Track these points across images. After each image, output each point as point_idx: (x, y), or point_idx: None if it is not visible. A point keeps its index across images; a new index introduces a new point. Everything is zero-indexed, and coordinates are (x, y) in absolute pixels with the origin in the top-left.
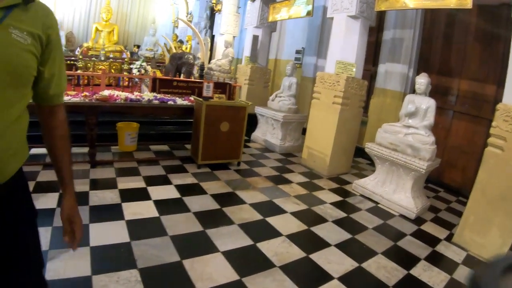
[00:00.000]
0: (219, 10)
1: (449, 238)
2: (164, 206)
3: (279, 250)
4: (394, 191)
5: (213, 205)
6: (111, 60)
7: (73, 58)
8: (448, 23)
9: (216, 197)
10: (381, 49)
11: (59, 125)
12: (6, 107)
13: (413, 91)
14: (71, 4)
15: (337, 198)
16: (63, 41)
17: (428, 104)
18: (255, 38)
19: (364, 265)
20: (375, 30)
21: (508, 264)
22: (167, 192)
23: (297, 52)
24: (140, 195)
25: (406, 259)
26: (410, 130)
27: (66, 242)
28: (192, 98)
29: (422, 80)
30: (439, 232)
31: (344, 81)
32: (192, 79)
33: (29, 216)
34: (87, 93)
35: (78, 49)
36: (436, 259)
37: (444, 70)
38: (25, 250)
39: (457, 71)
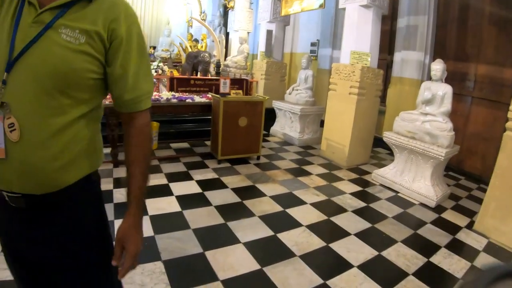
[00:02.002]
0: (232, 7)
1: (470, 226)
2: (186, 201)
3: (299, 240)
4: (414, 179)
5: (234, 198)
6: None
7: None
8: (462, 7)
9: (237, 190)
10: (396, 37)
11: (136, 134)
12: (51, 115)
13: (430, 78)
14: None
15: (357, 188)
16: None
17: (444, 90)
18: (269, 33)
19: (384, 253)
20: (389, 18)
21: (498, 274)
22: (189, 187)
23: (312, 44)
24: (162, 191)
25: (426, 247)
26: (427, 117)
27: (116, 265)
28: (209, 95)
29: (437, 67)
30: (460, 220)
31: (359, 71)
32: (209, 77)
33: (90, 241)
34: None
35: None
36: (456, 247)
37: (461, 56)
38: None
39: (473, 55)
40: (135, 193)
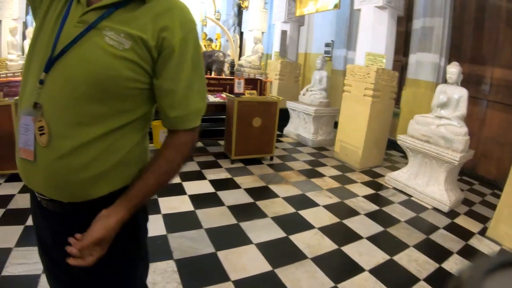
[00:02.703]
0: (247, 7)
1: (483, 232)
2: (199, 200)
3: (311, 242)
4: (427, 183)
5: (246, 199)
6: None
7: None
8: (478, 9)
9: (250, 191)
10: (411, 39)
11: (170, 148)
12: (84, 124)
13: (445, 81)
14: None
15: (370, 191)
16: None
17: (460, 94)
18: (284, 33)
19: (396, 257)
20: (404, 19)
21: (492, 266)
22: (202, 187)
23: (327, 45)
24: (175, 190)
25: (438, 253)
26: (442, 121)
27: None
28: (223, 95)
29: (453, 70)
30: (473, 226)
31: (374, 73)
32: (223, 76)
33: (117, 261)
34: None
35: None
36: (468, 253)
37: (477, 58)
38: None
39: (489, 58)
40: (136, 196)
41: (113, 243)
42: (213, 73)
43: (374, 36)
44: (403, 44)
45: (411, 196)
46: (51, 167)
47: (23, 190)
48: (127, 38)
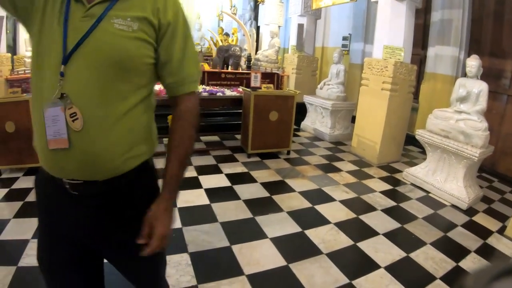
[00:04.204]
0: (263, 1)
1: (501, 231)
2: (215, 194)
3: (327, 237)
4: (446, 180)
5: (262, 193)
6: None
7: None
8: (498, 1)
9: (266, 185)
10: (429, 32)
11: (177, 119)
12: (112, 102)
13: (464, 74)
14: None
15: (387, 186)
16: None
17: (480, 88)
18: (300, 26)
19: (412, 255)
20: (423, 12)
21: (496, 273)
22: (218, 180)
23: (344, 38)
24: (192, 183)
25: (455, 251)
26: (461, 115)
27: (141, 242)
28: (240, 89)
29: (473, 63)
30: (491, 224)
31: (392, 67)
32: (240, 71)
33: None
34: None
35: None
36: (486, 252)
37: (497, 51)
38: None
39: (510, 52)
40: (171, 177)
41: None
42: (229, 67)
43: (392, 29)
44: (421, 37)
45: (429, 193)
46: (88, 148)
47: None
48: (133, 21)
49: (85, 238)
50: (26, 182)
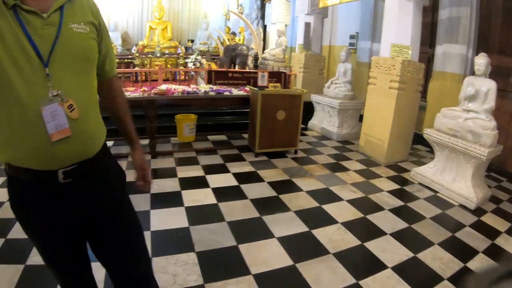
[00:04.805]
0: (269, 0)
1: (510, 231)
2: (222, 193)
3: (334, 237)
4: (454, 179)
5: (270, 192)
6: (166, 55)
7: (130, 57)
8: None
9: (273, 184)
10: (437, 30)
11: (118, 94)
12: (90, 90)
13: (473, 73)
14: (124, 6)
15: (395, 186)
16: (119, 41)
17: (488, 86)
18: (307, 25)
19: (420, 255)
20: (430, 9)
21: (496, 276)
22: (225, 180)
23: (351, 37)
24: (199, 183)
25: (463, 251)
26: (470, 114)
27: (139, 186)
28: (247, 88)
29: (481, 61)
30: (500, 225)
31: (400, 65)
32: (247, 70)
33: (122, 180)
34: (145, 88)
35: (134, 47)
36: (494, 253)
37: (505, 49)
38: (129, 213)
39: None
40: (135, 133)
41: (124, 185)
42: (236, 66)
43: (399, 27)
44: (429, 35)
45: (437, 192)
46: (83, 132)
47: None
48: (86, 24)
49: (78, 222)
50: None
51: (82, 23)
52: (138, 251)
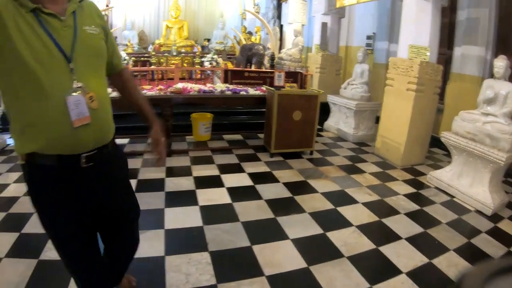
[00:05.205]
0: (286, 0)
1: None
2: (237, 193)
3: (349, 240)
4: (471, 184)
5: (285, 193)
6: (182, 54)
7: (146, 55)
8: None
9: (288, 185)
10: (455, 31)
11: (129, 79)
12: (104, 84)
13: (492, 75)
14: (141, 5)
15: (411, 189)
16: (136, 40)
17: (508, 89)
18: (324, 25)
19: (435, 261)
20: (448, 10)
21: (494, 270)
22: (240, 180)
23: (368, 37)
24: (214, 182)
25: (479, 258)
26: (488, 118)
27: (153, 161)
28: (264, 88)
29: (501, 63)
30: None
31: (418, 66)
32: (263, 69)
33: (127, 169)
34: (162, 87)
35: (151, 46)
36: None
37: None
38: (132, 199)
39: None
40: (151, 113)
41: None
42: (253, 66)
43: (418, 28)
44: (447, 36)
45: (454, 197)
46: (101, 120)
47: None
48: (96, 26)
49: (95, 205)
50: None
51: (92, 26)
52: (137, 233)
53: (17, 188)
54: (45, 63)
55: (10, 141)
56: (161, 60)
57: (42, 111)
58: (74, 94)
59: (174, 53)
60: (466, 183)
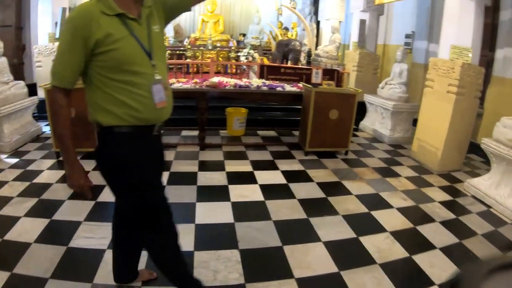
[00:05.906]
0: None
1: None
2: (270, 190)
3: (382, 246)
4: (509, 195)
5: (318, 193)
6: (218, 48)
7: (182, 48)
8: None
9: (322, 185)
10: (498, 32)
11: None
12: (167, 75)
13: None
14: None
15: (447, 197)
16: (172, 33)
17: None
18: (362, 22)
19: None
20: (491, 10)
21: (493, 266)
22: (274, 177)
23: (407, 36)
24: (246, 178)
25: None
26: None
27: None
28: (300, 84)
29: None
30: None
31: (459, 68)
32: (300, 66)
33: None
34: (197, 80)
35: (186, 39)
36: None
37: None
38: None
39: None
40: None
41: None
42: (289, 62)
43: (460, 28)
44: (489, 37)
45: (491, 207)
46: (170, 103)
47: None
48: (159, 26)
49: (159, 161)
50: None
51: (157, 25)
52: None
53: (50, 175)
54: (138, 61)
55: (46, 128)
56: (197, 53)
57: (139, 95)
58: (156, 84)
59: (210, 47)
60: (505, 194)
